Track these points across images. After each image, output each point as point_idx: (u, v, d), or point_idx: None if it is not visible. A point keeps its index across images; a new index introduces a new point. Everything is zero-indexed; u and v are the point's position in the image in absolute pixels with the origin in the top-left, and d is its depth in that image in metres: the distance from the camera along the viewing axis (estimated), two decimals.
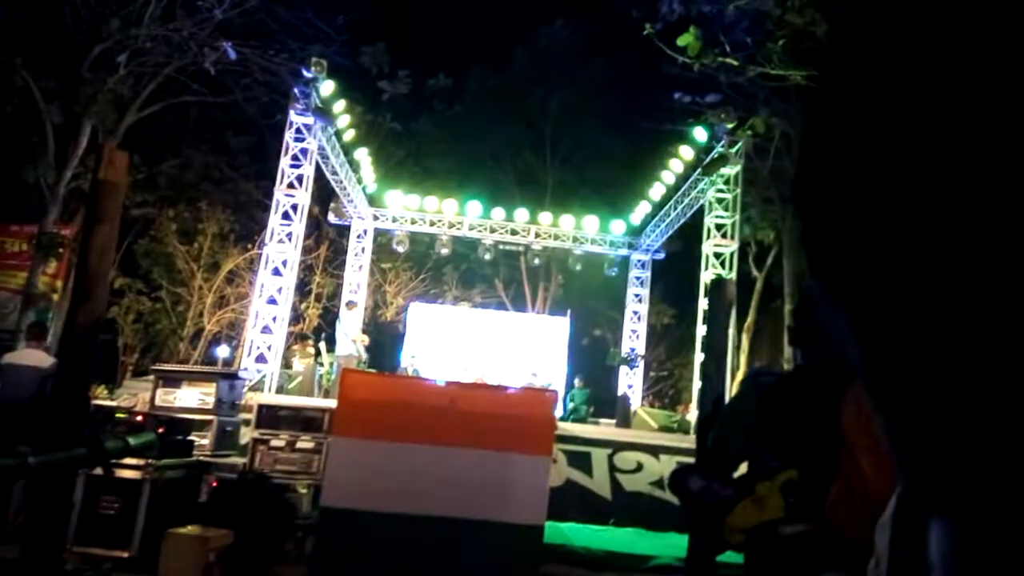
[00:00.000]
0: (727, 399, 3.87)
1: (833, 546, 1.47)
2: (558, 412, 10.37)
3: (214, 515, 5.09)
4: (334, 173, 14.22)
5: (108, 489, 4.79)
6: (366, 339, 12.32)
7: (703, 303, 13.41)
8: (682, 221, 15.14)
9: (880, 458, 1.41)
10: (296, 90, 12.37)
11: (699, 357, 13.35)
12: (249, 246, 18.71)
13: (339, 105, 12.90)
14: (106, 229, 1.80)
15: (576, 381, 14.34)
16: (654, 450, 7.70)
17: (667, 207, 15.06)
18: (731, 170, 12.83)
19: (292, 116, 12.59)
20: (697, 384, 13.19)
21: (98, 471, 4.74)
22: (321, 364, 12.54)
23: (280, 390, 11.82)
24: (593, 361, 19.72)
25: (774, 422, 1.93)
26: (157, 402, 6.42)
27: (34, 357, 6.31)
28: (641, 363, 17.31)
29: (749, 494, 1.93)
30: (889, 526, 1.20)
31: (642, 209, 16.12)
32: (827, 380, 1.76)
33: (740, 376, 12.90)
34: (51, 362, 6.05)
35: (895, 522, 1.19)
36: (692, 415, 13.49)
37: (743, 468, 2.15)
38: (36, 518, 1.72)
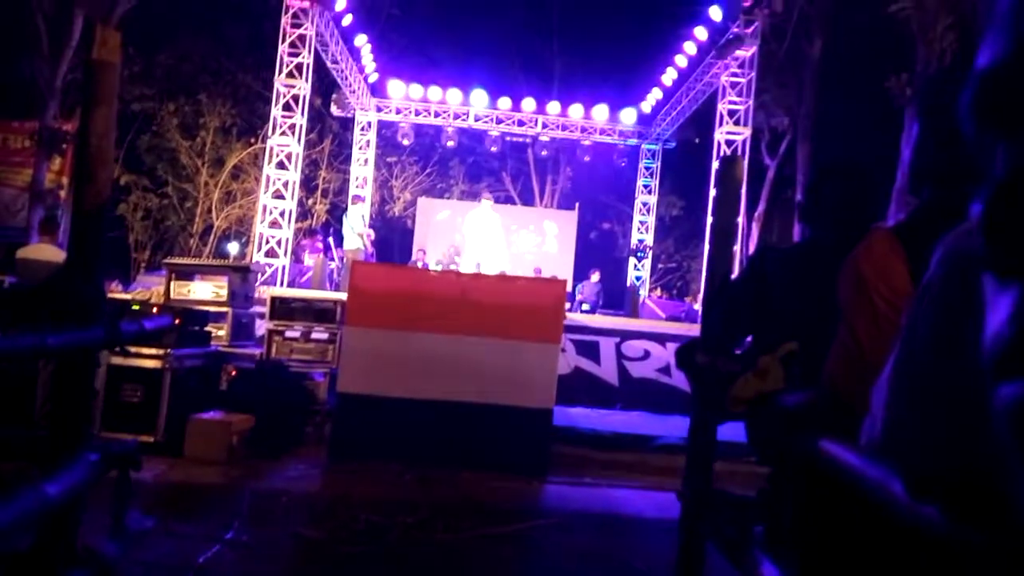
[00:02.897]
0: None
1: (830, 412, 1.51)
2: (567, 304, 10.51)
3: (235, 402, 5.28)
4: (335, 62, 13.79)
5: (130, 378, 4.94)
6: (372, 233, 12.33)
7: (713, 193, 13.24)
8: (694, 108, 14.72)
9: (876, 323, 1.43)
10: None
11: (708, 248, 13.32)
12: (252, 140, 18.45)
13: None
14: (104, 110, 1.75)
15: (592, 276, 14.44)
16: (661, 338, 7.82)
17: (678, 93, 14.61)
18: (746, 52, 12.34)
19: None
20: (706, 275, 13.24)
21: (118, 360, 4.90)
22: (332, 260, 12.64)
23: (292, 284, 11.97)
24: (602, 254, 19.75)
25: (779, 292, 1.95)
26: (172, 295, 6.53)
27: (49, 252, 6.37)
28: (649, 254, 17.32)
29: (752, 368, 1.96)
30: (885, 387, 1.23)
31: (653, 96, 15.66)
32: (829, 253, 1.77)
33: None
34: (65, 256, 6.11)
35: (892, 383, 1.22)
36: (700, 305, 13.63)
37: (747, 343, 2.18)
38: (60, 401, 1.78)
